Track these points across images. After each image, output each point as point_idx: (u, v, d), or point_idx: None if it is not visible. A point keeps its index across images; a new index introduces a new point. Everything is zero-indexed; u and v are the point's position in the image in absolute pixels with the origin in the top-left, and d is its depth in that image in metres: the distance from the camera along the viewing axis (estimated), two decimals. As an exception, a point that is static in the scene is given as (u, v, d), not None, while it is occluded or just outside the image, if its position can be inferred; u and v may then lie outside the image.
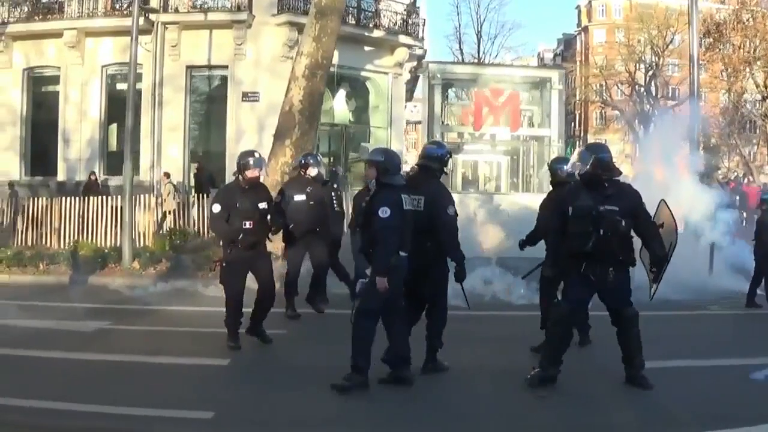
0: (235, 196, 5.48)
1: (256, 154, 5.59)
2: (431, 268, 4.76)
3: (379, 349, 4.53)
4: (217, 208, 5.49)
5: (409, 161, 21.36)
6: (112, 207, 11.51)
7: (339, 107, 17.00)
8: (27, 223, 11.62)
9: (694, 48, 11.48)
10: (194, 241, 11.08)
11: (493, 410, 4.20)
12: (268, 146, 10.53)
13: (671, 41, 33.02)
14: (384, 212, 4.34)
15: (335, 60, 11.14)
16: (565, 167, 5.43)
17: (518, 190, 14.79)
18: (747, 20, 25.54)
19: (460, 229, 4.90)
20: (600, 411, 4.19)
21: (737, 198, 15.11)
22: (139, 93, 13.22)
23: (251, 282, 5.60)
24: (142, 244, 11.26)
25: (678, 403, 4.25)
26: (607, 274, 4.46)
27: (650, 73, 34.18)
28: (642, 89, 34.68)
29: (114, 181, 15.29)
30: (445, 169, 5.06)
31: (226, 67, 16.03)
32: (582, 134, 41.05)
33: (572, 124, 38.68)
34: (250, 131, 15.36)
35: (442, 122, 15.47)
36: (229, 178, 12.85)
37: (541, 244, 5.48)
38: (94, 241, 11.31)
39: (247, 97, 15.78)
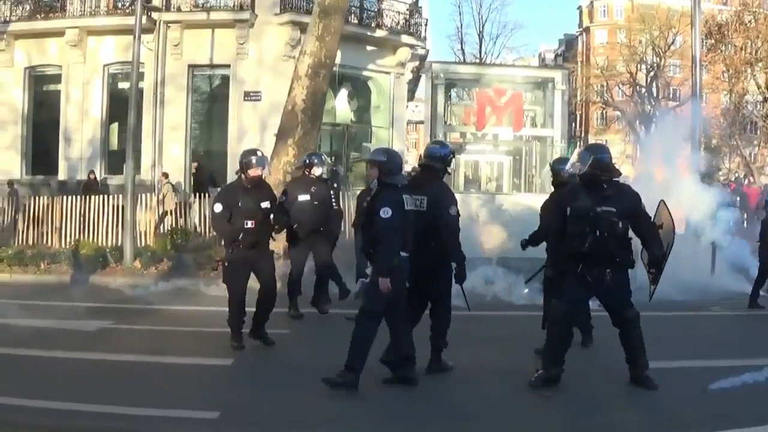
0: (238, 196, 5.47)
1: (259, 153, 5.56)
2: (435, 267, 4.76)
3: (378, 349, 4.53)
4: (218, 207, 5.47)
5: (410, 161, 21.41)
6: (113, 206, 11.51)
7: (341, 107, 16.99)
8: (28, 222, 11.62)
9: (696, 49, 11.49)
10: (196, 240, 11.08)
11: (496, 410, 4.19)
12: (269, 146, 10.52)
13: (673, 42, 33.01)
14: (385, 212, 4.34)
15: (337, 59, 11.12)
16: (564, 168, 5.42)
17: (520, 191, 14.81)
18: (749, 22, 25.55)
19: (462, 229, 4.91)
20: (603, 411, 4.18)
21: (738, 199, 15.11)
22: (140, 92, 13.20)
23: (254, 282, 5.59)
24: (143, 244, 11.25)
25: (681, 404, 4.24)
26: (605, 275, 4.45)
27: (651, 73, 34.18)
28: (643, 90, 34.68)
29: (115, 180, 15.31)
30: (448, 168, 5.06)
31: (229, 66, 16.01)
32: (583, 135, 41.02)
33: (573, 124, 38.62)
34: (252, 131, 15.35)
35: (445, 122, 15.48)
36: (231, 177, 12.90)
37: (543, 244, 5.48)
38: (95, 240, 11.31)
39: (249, 96, 15.77)
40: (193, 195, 12.68)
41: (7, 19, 16.22)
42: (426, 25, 18.15)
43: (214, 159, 16.37)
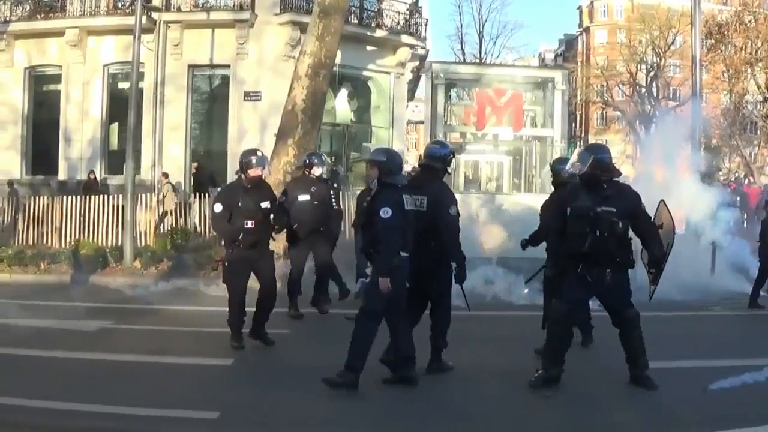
0: (238, 196, 5.46)
1: (259, 153, 5.55)
2: (435, 268, 4.76)
3: (378, 349, 4.52)
4: (218, 207, 5.47)
5: (410, 161, 21.41)
6: (113, 206, 11.50)
7: (341, 107, 16.99)
8: (28, 222, 11.61)
9: (696, 49, 11.49)
10: (196, 240, 11.08)
11: (496, 410, 4.19)
12: (269, 146, 10.52)
13: (673, 42, 33.01)
14: (385, 212, 4.34)
15: (337, 59, 11.12)
16: (564, 168, 5.42)
17: (520, 191, 14.81)
18: (749, 22, 25.56)
19: (462, 228, 4.91)
20: (603, 411, 4.18)
21: (738, 199, 15.12)
22: (140, 92, 13.20)
23: (254, 282, 5.59)
24: (143, 244, 11.25)
25: (681, 404, 4.24)
26: (605, 275, 4.45)
27: (651, 73, 34.18)
28: (643, 90, 34.67)
29: (115, 180, 15.30)
30: (448, 169, 5.06)
31: (228, 66, 16.00)
32: (583, 135, 41.02)
33: (573, 124, 38.64)
34: (251, 131, 15.35)
35: (445, 122, 15.48)
36: (231, 177, 12.88)
37: (543, 244, 5.48)
38: (95, 240, 11.30)
39: (249, 96, 15.77)
40: (193, 195, 12.68)
41: (7, 19, 16.22)
42: (426, 25, 18.16)
43: (214, 159, 16.37)
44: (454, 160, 5.45)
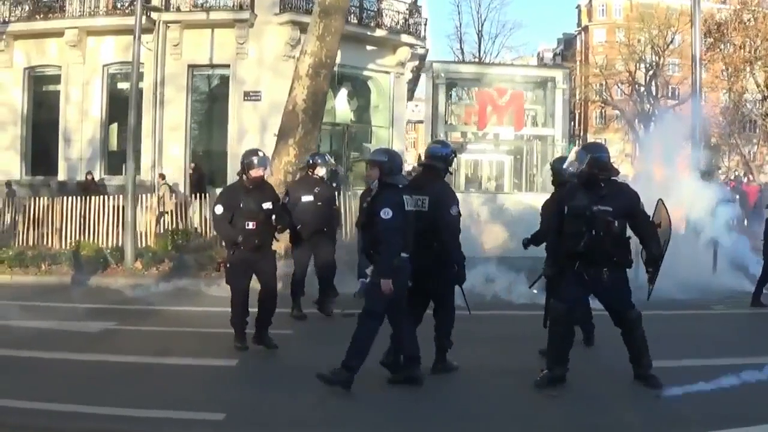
0: (239, 196, 5.44)
1: (260, 153, 5.52)
2: (437, 268, 4.75)
3: (379, 349, 4.51)
4: (219, 209, 5.44)
5: (409, 160, 21.41)
6: (113, 207, 11.47)
7: (341, 106, 16.98)
8: (28, 224, 11.58)
9: (696, 47, 11.48)
10: (196, 240, 11.06)
11: (500, 410, 4.19)
12: (270, 146, 10.51)
13: (672, 41, 33.01)
14: (386, 213, 4.34)
15: (337, 59, 11.12)
16: (563, 166, 5.40)
17: (521, 190, 14.81)
18: (748, 20, 25.59)
19: (463, 228, 4.90)
20: (604, 410, 4.18)
21: (737, 197, 15.14)
22: (140, 92, 13.16)
23: (256, 282, 5.56)
24: (143, 244, 11.22)
25: (683, 403, 4.23)
26: (602, 274, 4.44)
27: (651, 72, 34.17)
28: (642, 89, 34.66)
29: (115, 181, 15.28)
30: (449, 168, 5.05)
31: (228, 66, 15.98)
32: (582, 134, 41.01)
33: (572, 123, 38.63)
34: (252, 131, 15.34)
35: (446, 122, 15.49)
36: (231, 177, 12.87)
37: (544, 243, 5.47)
38: (95, 241, 11.28)
39: (249, 96, 15.75)
40: (191, 196, 12.65)
41: (7, 19, 16.19)
42: (425, 24, 18.15)
43: (213, 159, 16.36)
44: (455, 159, 5.43)
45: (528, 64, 37.82)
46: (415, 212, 4.58)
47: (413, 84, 20.45)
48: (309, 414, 4.09)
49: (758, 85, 26.31)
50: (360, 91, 17.67)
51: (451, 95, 16.96)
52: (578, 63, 40.54)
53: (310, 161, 7.08)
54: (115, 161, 15.95)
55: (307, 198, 6.75)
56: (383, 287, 4.32)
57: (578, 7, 46.80)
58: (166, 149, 15.93)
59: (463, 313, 4.98)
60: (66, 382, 4.53)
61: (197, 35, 15.75)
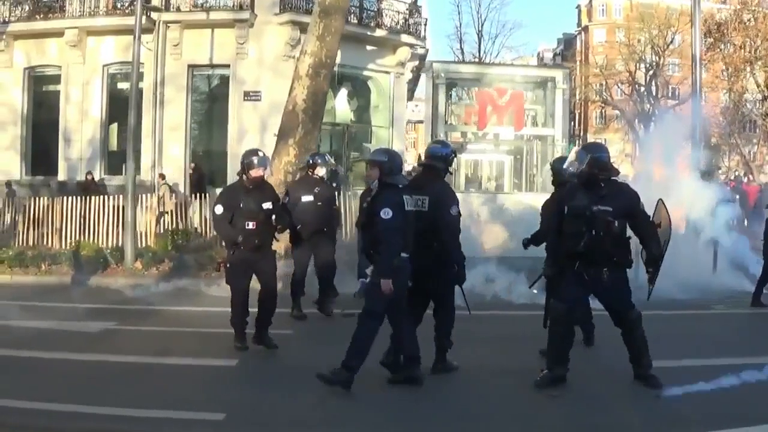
0: (239, 197, 5.44)
1: (260, 153, 5.52)
2: (437, 268, 4.75)
3: (379, 350, 4.51)
4: (219, 209, 5.44)
5: (409, 160, 21.41)
6: (113, 207, 11.47)
7: (340, 106, 16.98)
8: (28, 224, 11.59)
9: (696, 47, 11.47)
10: (196, 240, 11.06)
11: (499, 410, 4.19)
12: (270, 146, 10.51)
13: (672, 41, 33.02)
14: (386, 213, 4.34)
15: (337, 59, 11.12)
16: (563, 166, 5.40)
17: (521, 190, 14.82)
18: (748, 20, 25.59)
19: (463, 228, 4.90)
20: (604, 410, 4.17)
21: (737, 197, 15.14)
22: (140, 92, 13.17)
23: (256, 282, 5.56)
24: (143, 244, 11.22)
25: (683, 403, 4.23)
26: (602, 274, 4.44)
27: (651, 72, 34.17)
28: (642, 89, 34.66)
29: (115, 181, 15.28)
30: (450, 168, 5.05)
31: (228, 66, 15.98)
32: (582, 134, 41.01)
33: (572, 123, 38.63)
34: (251, 131, 15.34)
35: (446, 121, 15.49)
36: (231, 177, 12.86)
37: (544, 243, 5.47)
38: (95, 241, 11.28)
39: (249, 96, 15.75)
40: (191, 196, 12.65)
41: (7, 19, 16.19)
42: (425, 24, 18.15)
43: (213, 159, 16.36)
44: (455, 159, 5.43)
45: (528, 64, 37.81)
46: (415, 212, 4.58)
47: (413, 84, 20.45)
48: (309, 414, 4.09)
49: (758, 85, 26.33)
50: (360, 91, 17.67)
51: (451, 95, 16.98)
52: (578, 63, 40.55)
53: (311, 161, 7.08)
54: (115, 161, 15.95)
55: (307, 198, 6.75)
56: (383, 287, 4.32)
57: (578, 7, 46.81)
58: (166, 149, 15.93)
59: (463, 313, 4.99)
60: (66, 382, 4.53)
61: (197, 35, 15.75)
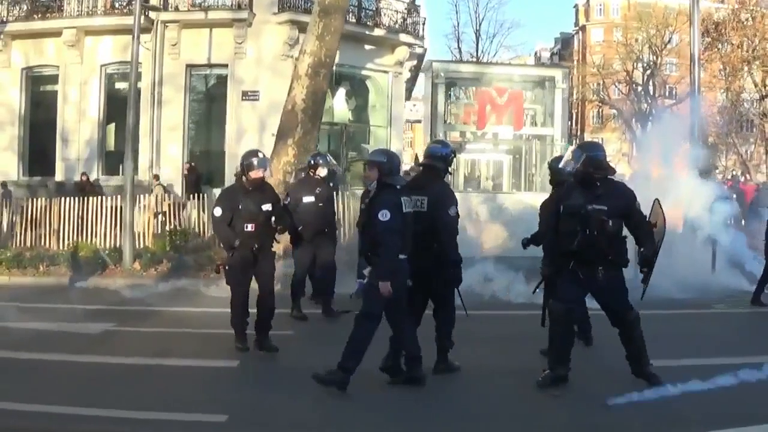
0: (238, 198, 5.39)
1: (260, 154, 5.48)
2: (437, 268, 4.75)
3: (379, 350, 4.51)
4: (218, 211, 5.39)
5: (406, 160, 21.38)
6: (111, 207, 11.44)
7: (339, 106, 16.97)
8: (26, 225, 11.55)
9: (695, 47, 11.47)
10: (195, 240, 11.03)
11: (499, 410, 4.19)
12: (268, 146, 10.49)
13: (669, 40, 33.05)
14: (384, 215, 4.32)
15: (335, 59, 11.10)
16: (560, 166, 5.39)
17: (520, 189, 14.81)
18: (746, 20, 25.64)
19: (462, 228, 4.90)
20: (605, 410, 4.16)
21: (734, 196, 15.17)
22: (138, 92, 13.13)
23: (256, 283, 5.55)
24: (141, 245, 11.19)
25: (683, 403, 4.23)
26: (596, 273, 4.43)
27: (648, 72, 34.20)
28: (640, 88, 34.69)
29: (113, 181, 15.25)
30: (449, 168, 5.05)
31: (227, 65, 15.97)
32: (579, 133, 41.03)
33: (570, 122, 38.64)
34: (250, 131, 15.32)
35: (445, 121, 15.48)
36: (228, 177, 12.84)
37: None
38: (93, 241, 11.25)
39: (247, 96, 15.74)
40: (188, 196, 12.62)
41: (4, 19, 16.16)
42: (424, 24, 18.14)
43: (212, 159, 16.33)
44: (455, 159, 5.43)
45: (525, 63, 37.81)
46: (414, 213, 4.57)
47: (411, 83, 20.45)
48: (310, 415, 4.08)
49: (756, 85, 26.39)
50: (358, 91, 17.66)
51: (450, 95, 16.95)
52: (575, 62, 40.57)
53: (312, 162, 7.05)
54: (112, 161, 15.93)
55: (308, 199, 6.73)
56: (382, 289, 4.31)
57: (576, 6, 46.84)
58: (164, 149, 15.91)
59: (463, 312, 4.98)
60: (65, 384, 4.52)
61: (195, 35, 15.74)
